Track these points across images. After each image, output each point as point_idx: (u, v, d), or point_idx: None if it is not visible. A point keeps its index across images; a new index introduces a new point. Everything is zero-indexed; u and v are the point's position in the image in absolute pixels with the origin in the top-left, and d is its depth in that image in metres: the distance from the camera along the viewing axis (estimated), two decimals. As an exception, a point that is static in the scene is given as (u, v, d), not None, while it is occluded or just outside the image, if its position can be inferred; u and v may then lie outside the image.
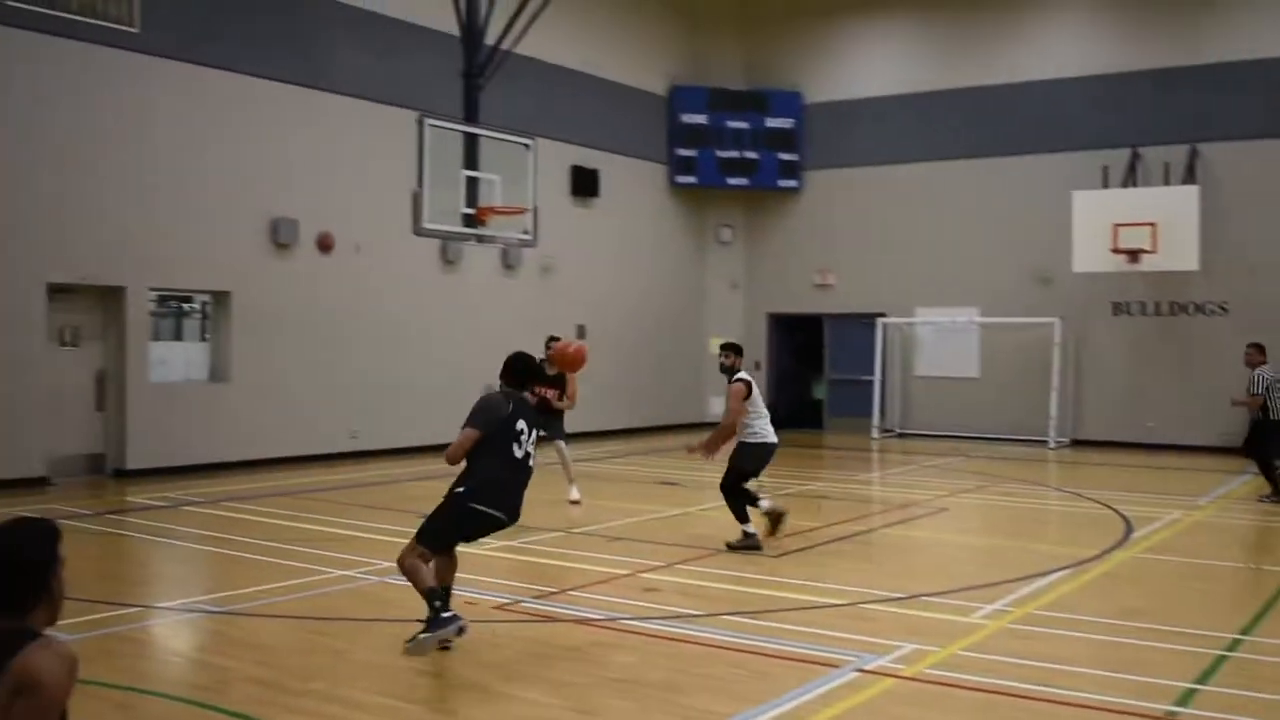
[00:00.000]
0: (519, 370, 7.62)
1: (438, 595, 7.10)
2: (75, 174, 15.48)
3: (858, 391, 24.80)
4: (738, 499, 11.07)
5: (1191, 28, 22.13)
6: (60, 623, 3.23)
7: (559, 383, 13.53)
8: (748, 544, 10.89)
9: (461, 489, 7.28)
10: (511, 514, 7.42)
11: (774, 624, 8.05)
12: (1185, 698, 6.54)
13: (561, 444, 14.00)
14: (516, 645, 7.61)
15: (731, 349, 11.44)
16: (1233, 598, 9.32)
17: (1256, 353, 15.70)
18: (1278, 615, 8.68)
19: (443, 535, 7.35)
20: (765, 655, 7.28)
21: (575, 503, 13.82)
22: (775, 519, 11.20)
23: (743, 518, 11.02)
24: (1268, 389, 15.28)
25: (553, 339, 13.93)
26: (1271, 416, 15.25)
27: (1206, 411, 21.52)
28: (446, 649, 7.23)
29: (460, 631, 7.09)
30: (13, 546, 3.13)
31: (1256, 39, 21.51)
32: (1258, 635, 8.00)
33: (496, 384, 7.62)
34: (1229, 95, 21.64)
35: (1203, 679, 6.91)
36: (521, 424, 7.38)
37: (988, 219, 23.84)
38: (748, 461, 11.13)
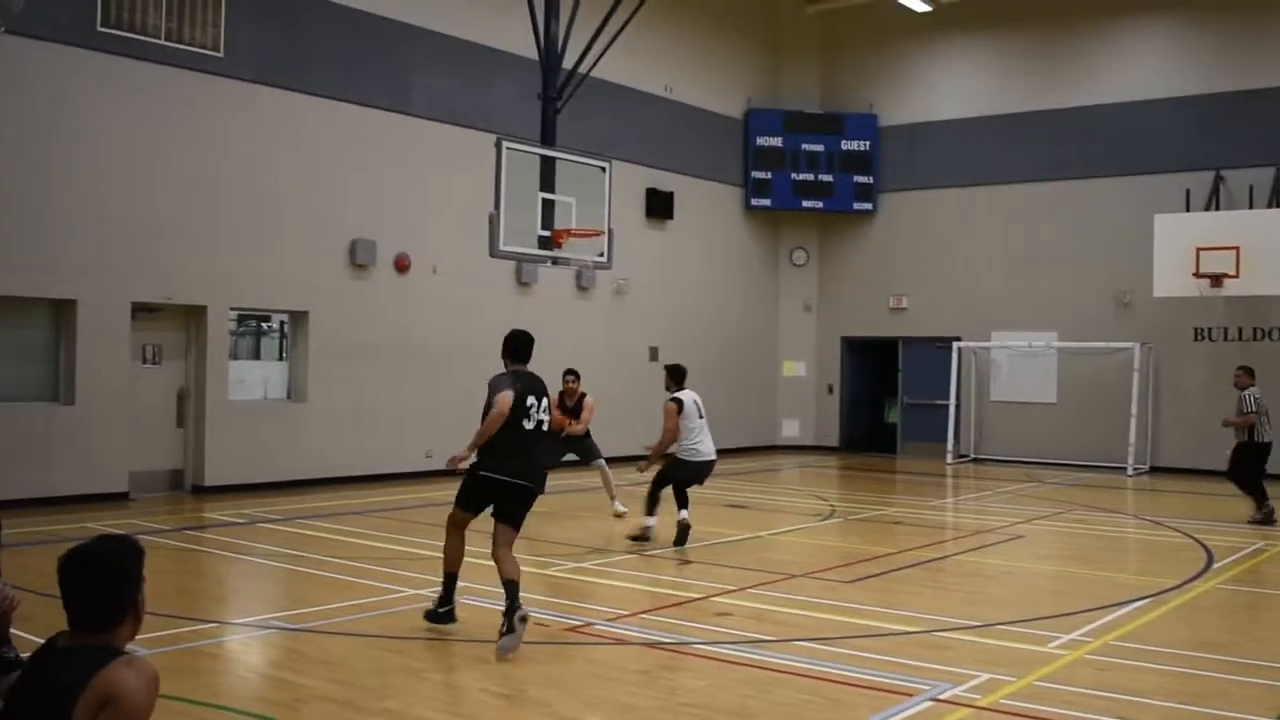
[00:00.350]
0: (518, 346, 8.59)
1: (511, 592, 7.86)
2: (160, 195, 15.80)
3: (932, 416, 24.58)
4: (653, 495, 12.50)
5: (1277, 48, 21.75)
6: (139, 637, 3.28)
7: (575, 412, 14.69)
8: (641, 536, 12.27)
9: (474, 461, 8.30)
10: (518, 476, 8.20)
11: (848, 650, 7.97)
12: (1271, 734, 6.39)
13: (601, 463, 14.65)
14: (587, 667, 7.60)
15: (670, 371, 12.92)
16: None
17: (1245, 375, 16.12)
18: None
19: (461, 501, 8.51)
20: (838, 683, 7.21)
21: (620, 515, 14.19)
22: (681, 531, 12.33)
23: (650, 511, 12.42)
24: (1258, 410, 15.57)
25: (571, 373, 14.86)
26: (1257, 439, 15.55)
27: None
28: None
29: (523, 620, 7.70)
30: (100, 565, 3.19)
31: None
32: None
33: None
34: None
35: (1285, 715, 6.75)
36: (530, 399, 8.28)
37: (1066, 242, 23.55)
38: (676, 470, 12.52)
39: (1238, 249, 20.32)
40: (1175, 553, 12.83)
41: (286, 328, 18.37)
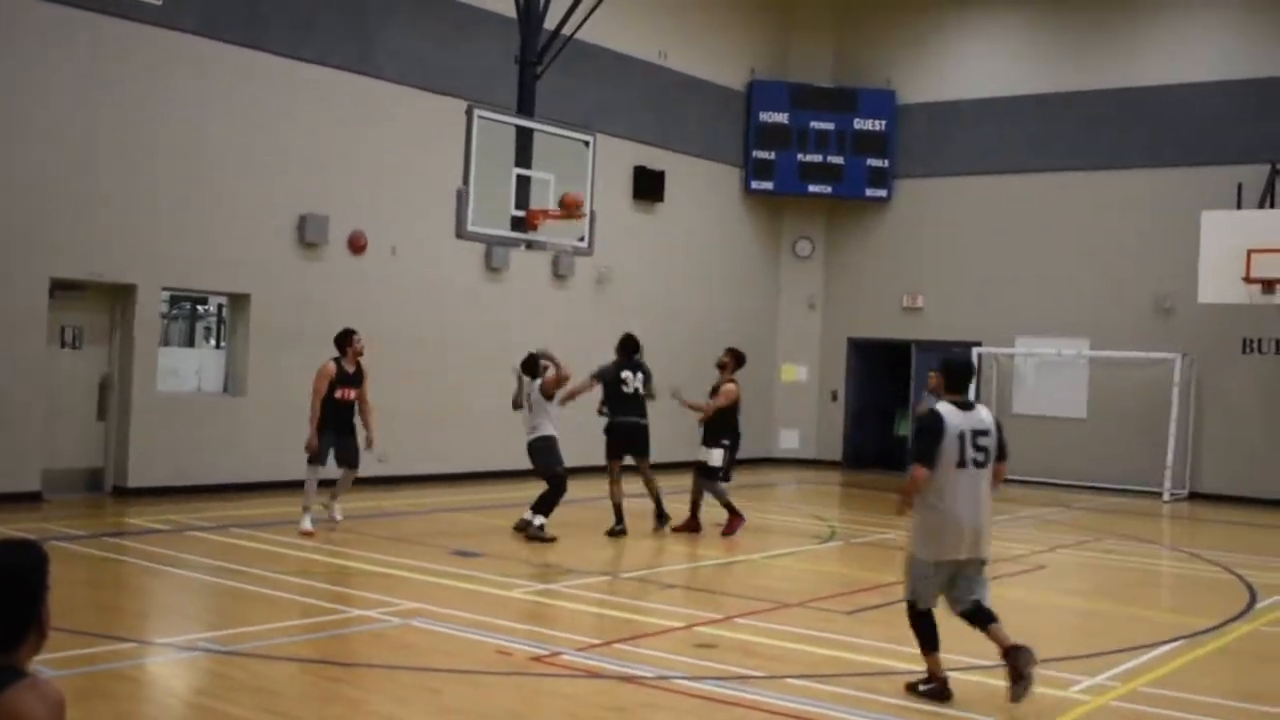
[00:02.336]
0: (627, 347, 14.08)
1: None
2: (84, 159, 15.72)
3: (948, 430, 24.56)
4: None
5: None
6: (45, 656, 3.25)
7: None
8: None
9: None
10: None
11: (844, 690, 7.98)
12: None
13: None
14: (555, 703, 7.60)
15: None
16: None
17: None
18: None
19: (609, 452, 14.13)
20: (833, 725, 7.23)
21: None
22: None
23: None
24: None
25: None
26: None
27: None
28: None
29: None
30: (-1, 575, 3.15)
31: None
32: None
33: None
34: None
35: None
36: (625, 373, 14.43)
37: (1102, 240, 23.62)
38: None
39: (1295, 252, 20.38)
40: (1214, 589, 12.86)
41: (225, 312, 18.32)
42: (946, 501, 7.80)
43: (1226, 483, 22.26)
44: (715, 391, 15.37)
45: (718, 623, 9.88)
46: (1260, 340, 22.23)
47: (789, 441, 26.56)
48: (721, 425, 15.15)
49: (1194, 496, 22.20)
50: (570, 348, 19.19)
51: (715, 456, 14.98)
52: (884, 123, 25.80)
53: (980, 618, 8.04)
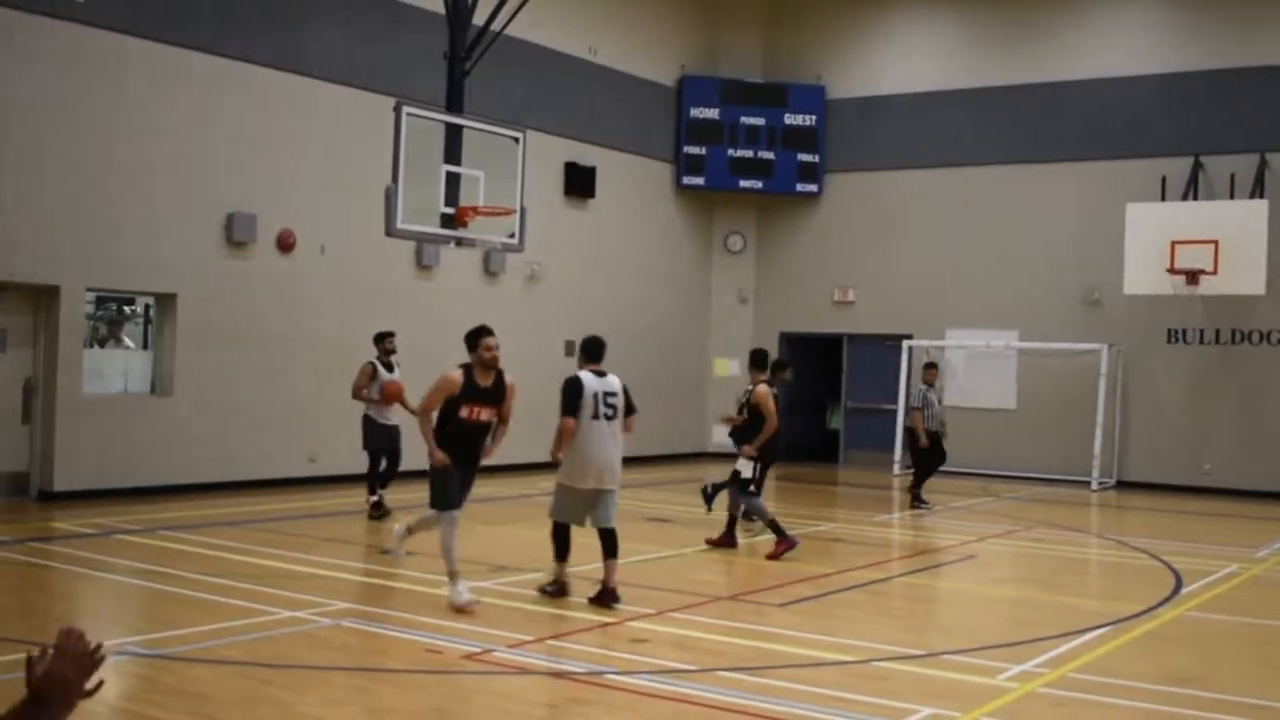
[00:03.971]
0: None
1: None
2: (8, 158, 15.46)
3: (878, 422, 24.78)
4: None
5: (1263, 25, 22.22)
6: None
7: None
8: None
9: None
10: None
11: (776, 682, 8.01)
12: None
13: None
14: (486, 700, 7.58)
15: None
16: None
17: None
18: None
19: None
20: (765, 717, 7.25)
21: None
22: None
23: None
24: None
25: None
26: None
27: (1271, 452, 21.59)
28: None
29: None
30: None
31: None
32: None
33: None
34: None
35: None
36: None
37: (1030, 232, 23.87)
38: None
39: (1216, 243, 20.68)
40: (1141, 576, 13.06)
41: (151, 312, 18.10)
42: (586, 444, 10.34)
43: (1153, 471, 22.57)
44: (749, 398, 14.25)
45: (650, 617, 9.90)
46: (1184, 330, 22.56)
47: (722, 436, 26.51)
48: (752, 433, 13.88)
49: (1121, 485, 22.49)
50: (502, 344, 19.14)
51: (746, 467, 13.78)
52: (814, 118, 25.92)
53: (606, 546, 10.43)
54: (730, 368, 26.62)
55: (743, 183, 25.93)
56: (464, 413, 10.13)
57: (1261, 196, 21.44)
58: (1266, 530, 17.32)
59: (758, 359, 14.45)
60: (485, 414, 10.28)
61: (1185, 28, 22.97)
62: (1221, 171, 22.15)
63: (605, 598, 10.20)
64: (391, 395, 15.42)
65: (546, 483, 11.83)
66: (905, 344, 24.42)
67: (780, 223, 26.66)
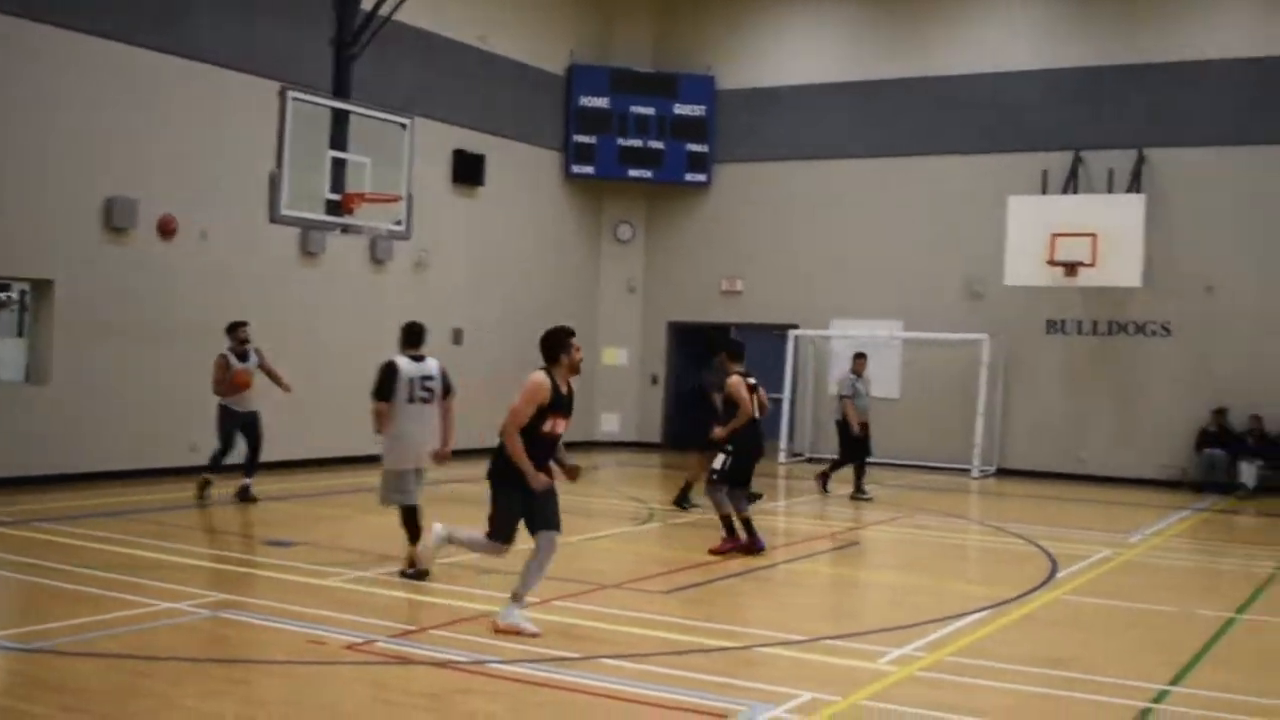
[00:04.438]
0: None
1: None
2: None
3: (767, 411, 24.91)
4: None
5: (1144, 23, 22.77)
6: None
7: None
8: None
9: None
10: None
11: (659, 669, 8.05)
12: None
13: None
14: (368, 691, 7.52)
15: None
16: (1163, 644, 9.52)
17: None
18: (1210, 663, 8.91)
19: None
20: (648, 704, 7.28)
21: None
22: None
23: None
24: None
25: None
26: None
27: (1144, 441, 22.15)
28: None
29: None
30: None
31: (1213, 37, 22.24)
32: (1187, 685, 8.21)
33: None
34: (1181, 97, 22.31)
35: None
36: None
37: (915, 224, 24.21)
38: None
39: (1095, 236, 21.14)
40: (1018, 561, 13.31)
41: (27, 299, 17.68)
42: (404, 426, 10.90)
43: (1032, 458, 23.03)
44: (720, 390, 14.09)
45: (535, 606, 9.87)
46: (1064, 321, 23.03)
47: (609, 425, 26.67)
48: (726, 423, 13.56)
49: (1002, 472, 22.90)
50: (388, 333, 19.02)
51: (716, 459, 13.52)
52: (704, 108, 26.01)
53: (410, 524, 10.95)
54: (618, 357, 26.68)
55: (632, 172, 25.95)
56: (547, 426, 9.07)
57: (1139, 191, 21.93)
58: (1139, 515, 17.77)
59: (734, 350, 14.05)
60: (562, 425, 9.23)
61: (1068, 24, 23.42)
62: (1101, 166, 22.62)
63: (419, 573, 10.70)
64: (240, 384, 15.54)
65: (438, 471, 11.80)
66: (791, 334, 24.64)
67: (669, 212, 26.74)
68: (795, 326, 24.74)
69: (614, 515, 16.19)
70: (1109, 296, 22.26)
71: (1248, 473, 20.75)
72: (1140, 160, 22.31)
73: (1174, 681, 8.28)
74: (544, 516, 9.05)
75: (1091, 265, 21.15)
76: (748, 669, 8.15)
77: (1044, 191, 22.65)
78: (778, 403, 24.39)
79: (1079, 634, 9.89)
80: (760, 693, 7.53)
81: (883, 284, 24.38)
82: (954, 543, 15.31)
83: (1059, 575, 12.34)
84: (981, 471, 22.56)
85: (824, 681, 7.88)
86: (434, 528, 9.62)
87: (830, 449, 21.30)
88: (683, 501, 16.49)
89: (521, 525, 9.14)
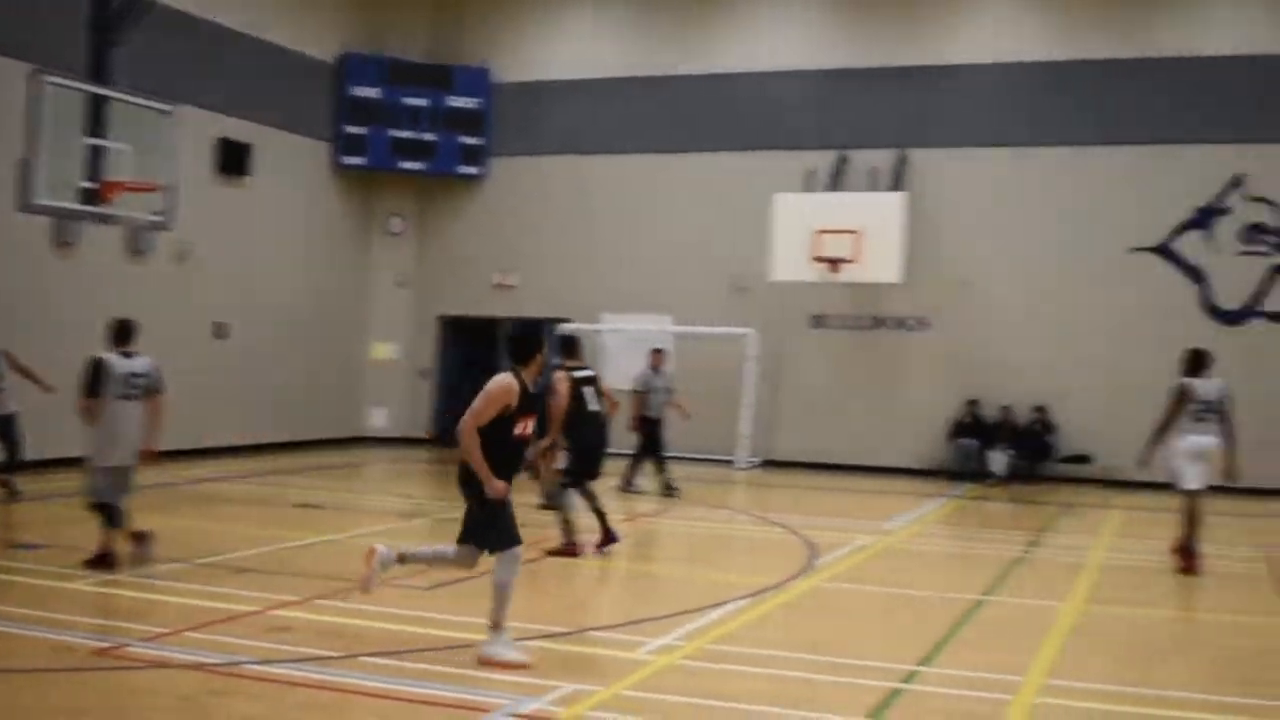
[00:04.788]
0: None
1: None
2: None
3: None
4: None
5: (905, 28, 23.61)
6: None
7: None
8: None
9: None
10: None
11: (421, 665, 7.99)
12: (854, 736, 6.91)
13: None
14: (117, 697, 7.26)
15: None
16: (915, 627, 9.86)
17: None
18: (957, 645, 9.27)
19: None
20: (408, 701, 7.22)
21: None
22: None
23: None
24: None
25: None
26: None
27: (904, 432, 22.93)
28: None
29: None
30: None
31: (972, 42, 23.27)
32: (936, 666, 8.53)
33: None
34: (941, 99, 23.23)
35: (875, 713, 7.30)
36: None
37: (685, 219, 24.55)
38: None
39: (857, 233, 21.79)
40: (778, 550, 13.62)
41: None
42: (113, 423, 10.89)
43: (798, 449, 23.59)
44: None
45: (294, 605, 9.71)
46: (828, 316, 23.67)
47: (378, 420, 26.30)
48: (564, 423, 13.15)
49: (768, 464, 23.40)
50: (147, 326, 18.43)
51: (560, 459, 13.25)
52: (479, 100, 25.87)
53: (119, 517, 10.97)
54: (388, 351, 26.36)
55: (404, 164, 25.65)
56: (519, 428, 8.56)
57: (900, 190, 22.68)
58: (897, 504, 18.38)
59: (568, 345, 13.74)
60: (530, 426, 8.74)
61: (835, 27, 24.10)
62: (863, 165, 23.32)
63: (107, 562, 10.80)
64: None
65: (198, 470, 11.49)
66: (562, 328, 24.67)
67: (442, 205, 26.53)
68: (567, 320, 24.80)
69: (381, 512, 16.00)
70: (870, 292, 22.97)
71: (998, 461, 21.70)
72: (902, 160, 23.07)
73: (924, 662, 8.59)
74: (507, 530, 8.54)
75: (854, 262, 21.79)
76: (510, 663, 8.15)
77: (809, 190, 23.22)
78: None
79: (835, 619, 10.18)
80: (522, 685, 7.54)
81: (652, 279, 24.64)
82: (717, 533, 15.58)
83: (818, 563, 12.67)
84: (748, 463, 23.02)
85: (585, 672, 7.94)
86: (377, 550, 8.72)
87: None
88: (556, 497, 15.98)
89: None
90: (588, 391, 13.19)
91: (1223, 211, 22.08)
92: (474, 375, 25.72)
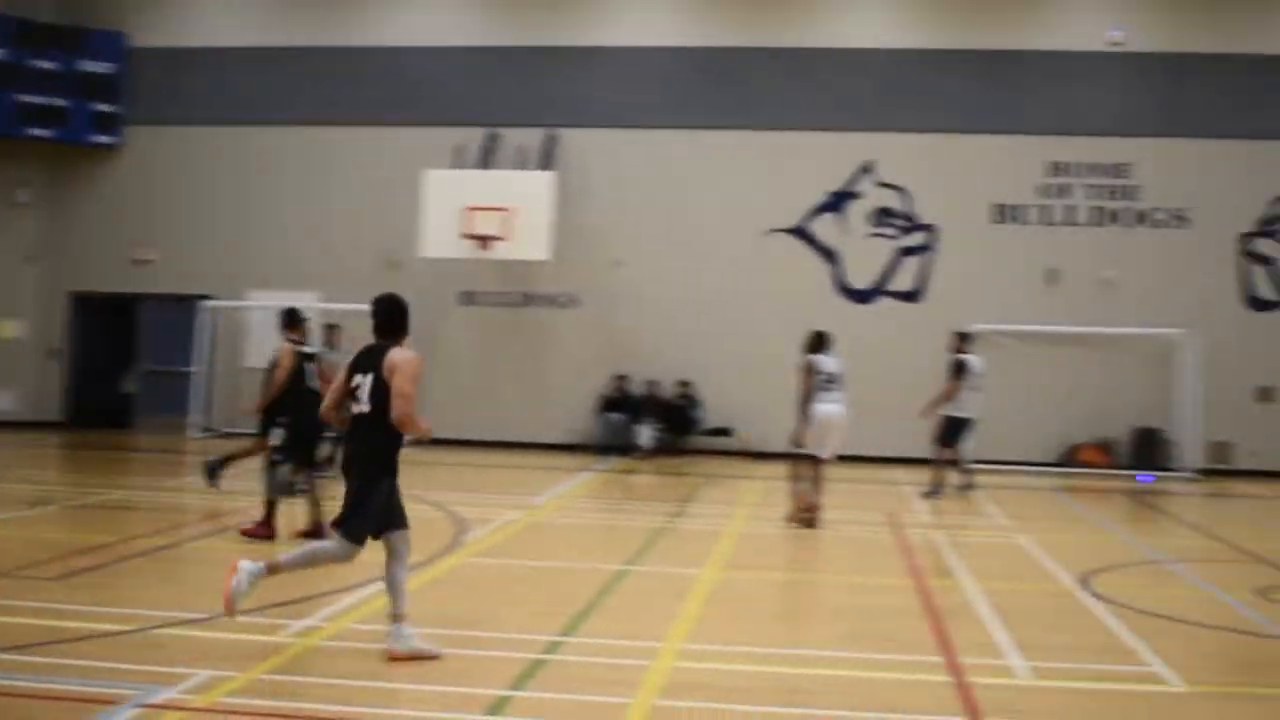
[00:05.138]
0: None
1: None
2: None
3: (177, 385, 24.00)
4: None
5: (554, 7, 24.00)
6: None
7: None
8: None
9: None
10: None
11: (45, 659, 7.61)
12: (498, 705, 6.98)
13: None
14: None
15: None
16: (558, 599, 10.00)
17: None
18: (599, 614, 9.52)
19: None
20: (31, 697, 6.86)
21: None
22: None
23: None
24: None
25: None
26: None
27: (554, 407, 23.28)
28: None
29: None
30: None
31: (620, 25, 23.91)
32: (578, 636, 8.74)
33: None
34: (590, 81, 23.65)
35: (518, 684, 7.41)
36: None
37: (333, 194, 24.13)
38: None
39: (507, 210, 21.90)
40: (427, 527, 13.43)
41: None
42: None
43: (449, 427, 23.41)
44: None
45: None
46: (479, 293, 23.74)
47: (3, 402, 24.77)
48: (282, 397, 12.58)
49: (417, 442, 23.04)
50: None
51: (275, 435, 12.50)
52: (113, 65, 24.65)
53: None
54: (14, 329, 24.86)
55: (31, 131, 24.17)
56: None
57: (550, 169, 22.93)
58: (547, 478, 18.62)
59: (293, 319, 12.92)
60: None
61: (487, 6, 24.35)
62: (515, 143, 23.45)
63: None
64: None
65: None
66: (204, 305, 23.90)
67: (75, 175, 25.16)
68: (209, 297, 24.00)
69: (4, 500, 15.08)
70: (521, 269, 23.14)
71: (645, 435, 22.30)
72: (551, 139, 23.33)
73: (566, 632, 8.77)
74: (401, 512, 8.41)
75: (504, 239, 21.89)
76: (143, 652, 7.83)
77: (459, 166, 23.19)
78: (187, 376, 23.63)
79: (480, 594, 10.26)
80: (155, 675, 7.28)
81: (301, 255, 24.10)
82: (415, 515, 15.37)
83: (466, 539, 12.73)
84: (404, 441, 22.68)
85: (223, 659, 7.72)
86: (241, 566, 8.03)
87: (247, 423, 20.80)
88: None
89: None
90: (310, 368, 12.71)
91: (854, 196, 23.34)
92: (111, 354, 25.07)
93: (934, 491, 17.24)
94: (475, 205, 21.97)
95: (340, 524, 8.28)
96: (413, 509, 13.72)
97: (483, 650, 8.22)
